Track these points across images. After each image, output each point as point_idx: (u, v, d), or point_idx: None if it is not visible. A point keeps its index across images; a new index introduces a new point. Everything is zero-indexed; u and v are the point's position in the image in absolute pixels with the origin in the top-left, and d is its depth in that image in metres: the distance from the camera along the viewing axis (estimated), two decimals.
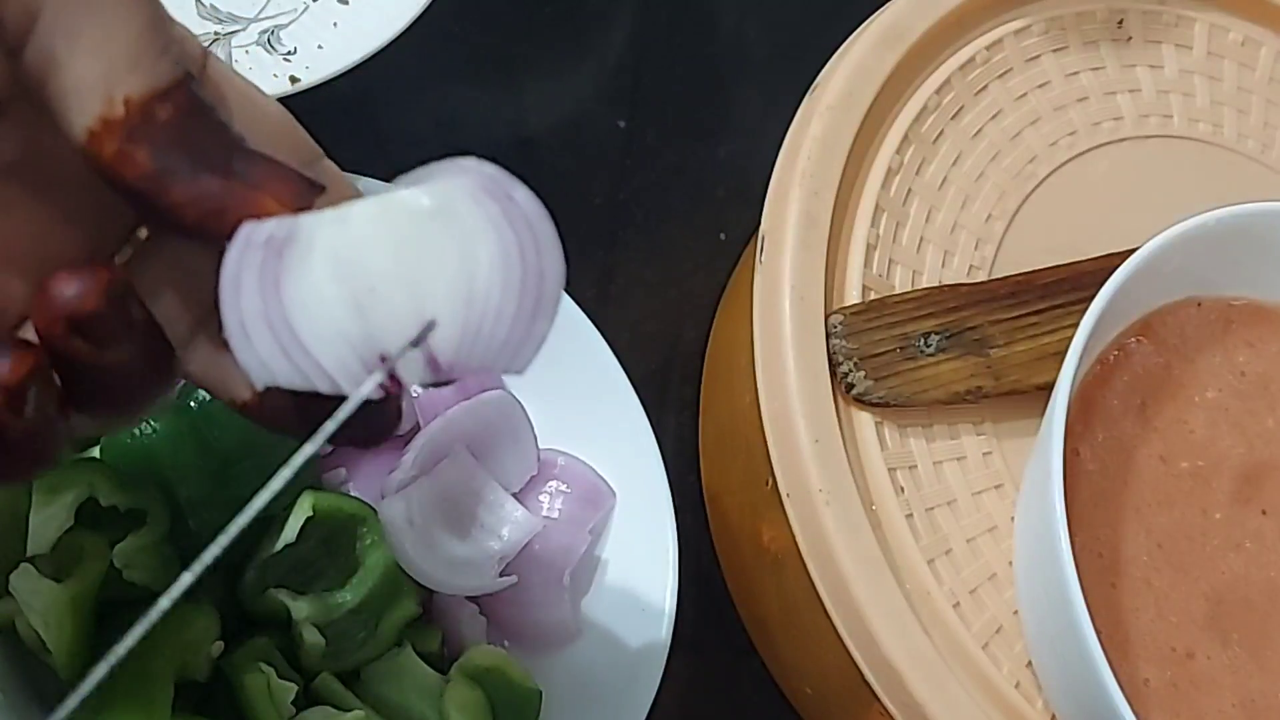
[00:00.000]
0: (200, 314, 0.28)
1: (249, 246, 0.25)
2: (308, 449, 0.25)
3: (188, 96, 0.24)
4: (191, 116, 0.24)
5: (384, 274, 0.25)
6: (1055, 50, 0.54)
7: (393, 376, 0.25)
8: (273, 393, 0.26)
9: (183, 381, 0.29)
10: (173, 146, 0.24)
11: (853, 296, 0.47)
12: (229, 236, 0.24)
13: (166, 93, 0.24)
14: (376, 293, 0.25)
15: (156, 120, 0.24)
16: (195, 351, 0.28)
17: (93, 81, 0.24)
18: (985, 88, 0.52)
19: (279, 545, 0.43)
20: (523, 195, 0.26)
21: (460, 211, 0.25)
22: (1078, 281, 0.49)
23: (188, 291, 0.28)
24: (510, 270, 0.25)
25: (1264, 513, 0.46)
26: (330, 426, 0.25)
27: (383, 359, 0.25)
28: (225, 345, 0.27)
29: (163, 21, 0.24)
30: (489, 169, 0.26)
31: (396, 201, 0.25)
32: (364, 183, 0.49)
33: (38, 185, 0.27)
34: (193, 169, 0.24)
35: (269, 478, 0.28)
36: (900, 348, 0.46)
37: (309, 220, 0.25)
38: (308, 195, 0.25)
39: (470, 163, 0.26)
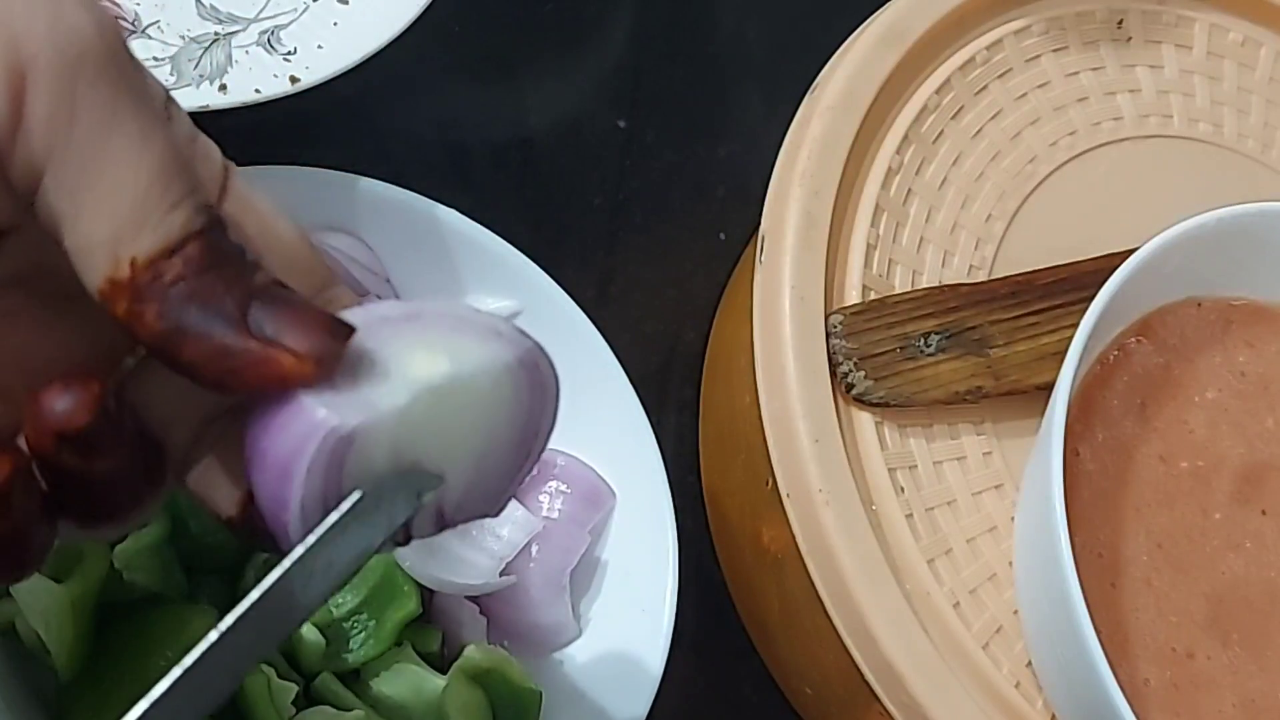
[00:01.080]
0: (201, 422, 0.28)
1: (309, 438, 0.24)
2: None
3: (201, 249, 0.23)
4: (205, 271, 0.23)
5: (428, 450, 0.25)
6: (1055, 50, 0.54)
7: (405, 528, 0.26)
8: (255, 513, 0.26)
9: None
10: (184, 304, 0.23)
11: (853, 296, 0.47)
12: (249, 392, 0.24)
13: (177, 248, 0.23)
14: (418, 465, 0.25)
15: (164, 280, 0.23)
16: (193, 460, 0.28)
17: (98, 242, 0.23)
18: (985, 88, 0.52)
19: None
20: (546, 365, 0.27)
21: (498, 385, 0.26)
22: (1078, 281, 0.49)
23: (190, 400, 0.27)
24: (516, 432, 0.27)
25: (1264, 513, 0.46)
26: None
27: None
28: (221, 457, 0.27)
29: (174, 169, 0.24)
30: (529, 342, 0.27)
31: (449, 386, 0.25)
32: (363, 183, 0.49)
33: (44, 296, 0.26)
34: (206, 326, 0.23)
35: None
36: (900, 348, 0.46)
37: (372, 421, 0.24)
38: (332, 346, 0.24)
39: (508, 329, 0.27)
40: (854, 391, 0.46)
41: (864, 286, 0.48)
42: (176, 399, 0.27)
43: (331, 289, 0.28)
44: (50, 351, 0.27)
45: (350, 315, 0.25)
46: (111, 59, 0.23)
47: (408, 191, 0.50)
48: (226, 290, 0.23)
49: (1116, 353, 0.47)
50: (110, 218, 0.23)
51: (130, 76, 0.23)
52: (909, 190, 0.50)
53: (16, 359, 0.26)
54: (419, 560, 0.45)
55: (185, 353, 0.23)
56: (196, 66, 0.54)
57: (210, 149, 0.27)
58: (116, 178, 0.23)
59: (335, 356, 0.24)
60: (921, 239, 0.50)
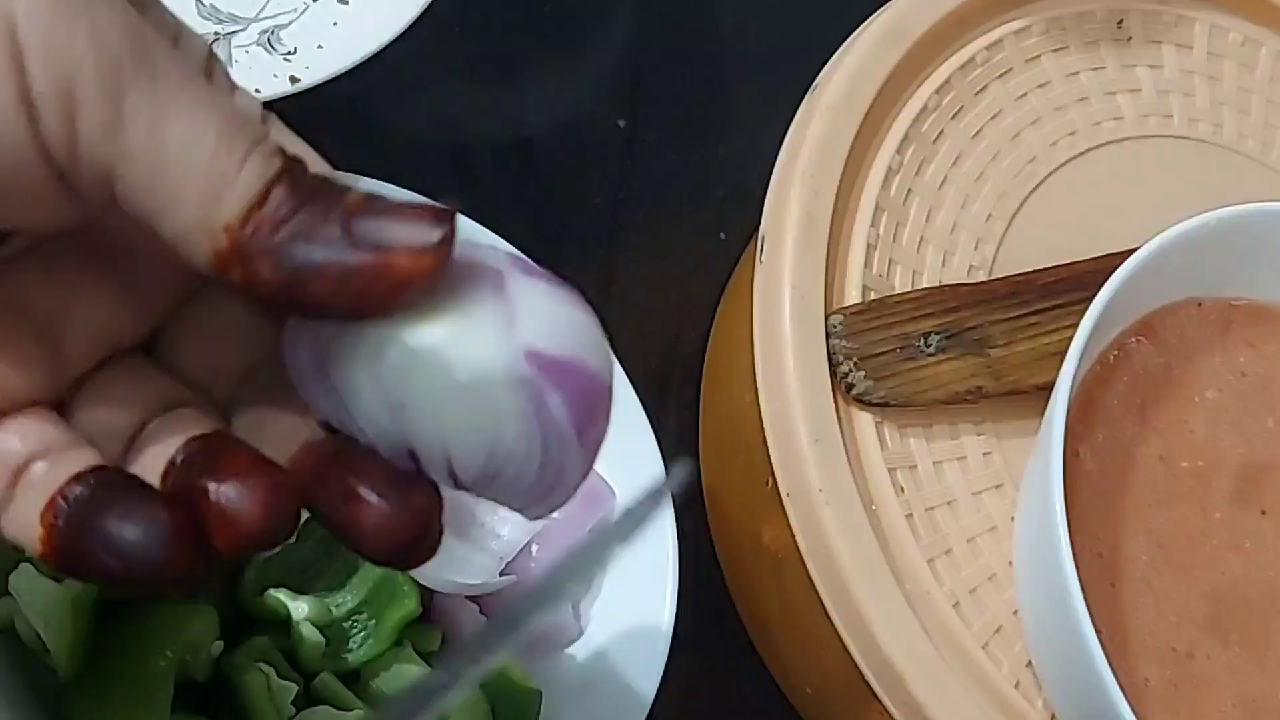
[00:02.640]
0: (241, 374, 0.28)
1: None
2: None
3: (287, 190, 0.24)
4: (298, 208, 0.24)
5: (413, 403, 0.25)
6: (1055, 50, 0.54)
7: (420, 466, 0.26)
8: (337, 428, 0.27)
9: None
10: (291, 246, 0.23)
11: (853, 296, 0.47)
12: (389, 309, 0.24)
13: (263, 198, 0.23)
14: (405, 410, 0.25)
15: (264, 231, 0.23)
16: (233, 412, 0.28)
17: (188, 228, 0.23)
18: (985, 88, 0.52)
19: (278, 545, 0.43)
20: (556, 404, 0.25)
21: (495, 394, 0.25)
22: (1078, 281, 0.49)
23: (230, 351, 0.28)
24: (531, 456, 0.26)
25: (1264, 513, 0.46)
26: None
27: (411, 454, 0.26)
28: (273, 402, 0.27)
29: (231, 128, 0.24)
30: (532, 357, 0.25)
31: (433, 363, 0.25)
32: (363, 183, 0.48)
33: (93, 255, 0.27)
34: (320, 257, 0.23)
35: None
36: (900, 348, 0.46)
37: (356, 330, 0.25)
38: (441, 227, 0.24)
39: (521, 326, 0.25)
40: (854, 391, 0.46)
41: (864, 286, 0.48)
42: (218, 351, 0.28)
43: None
44: (93, 307, 0.27)
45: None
46: (146, 54, 0.23)
47: (407, 192, 0.50)
48: (325, 218, 0.23)
49: (1116, 353, 0.47)
50: (190, 200, 0.23)
51: (168, 62, 0.24)
52: (909, 190, 0.50)
53: (62, 310, 0.26)
54: None
55: (312, 292, 0.23)
56: None
57: (248, 102, 0.27)
58: (181, 162, 0.23)
59: (448, 240, 0.24)
60: (921, 239, 0.50)
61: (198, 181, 0.23)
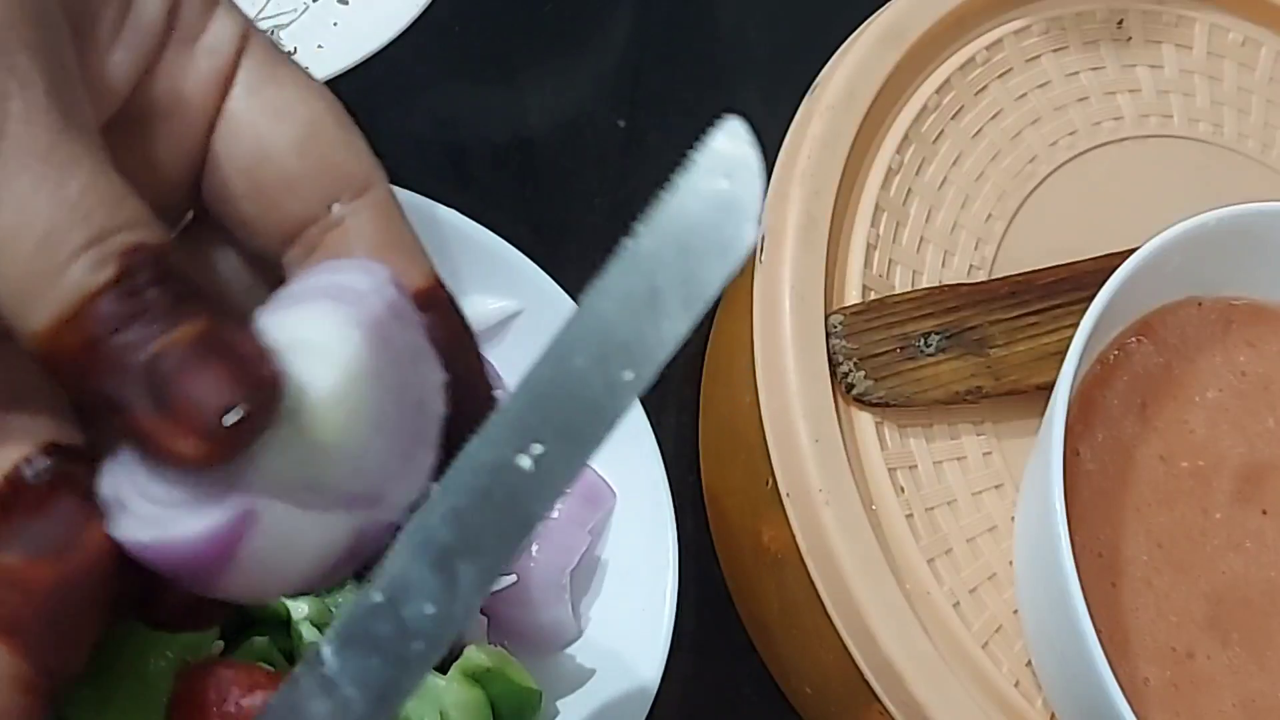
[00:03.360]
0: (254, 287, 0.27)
1: None
2: None
3: (111, 305, 0.21)
4: (107, 336, 0.21)
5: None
6: (1055, 50, 0.54)
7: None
8: None
9: None
10: (87, 375, 0.21)
11: (853, 296, 0.47)
12: (163, 463, 0.22)
13: (78, 312, 0.21)
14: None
15: (68, 349, 0.21)
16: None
17: (8, 319, 0.21)
18: (985, 88, 0.52)
19: None
20: (405, 310, 0.24)
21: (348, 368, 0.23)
22: (1078, 281, 0.49)
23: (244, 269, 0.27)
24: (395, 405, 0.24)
25: (1264, 513, 0.46)
26: None
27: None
28: None
29: (71, 220, 0.21)
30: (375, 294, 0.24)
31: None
32: None
33: None
34: (114, 399, 0.21)
35: None
36: (900, 348, 0.46)
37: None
38: (242, 409, 0.21)
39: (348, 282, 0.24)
40: (854, 391, 0.45)
41: (864, 286, 0.48)
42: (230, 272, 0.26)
43: (359, 197, 0.25)
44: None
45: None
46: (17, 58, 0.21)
47: (407, 191, 0.50)
48: (135, 354, 0.21)
49: (1116, 353, 0.47)
50: (6, 294, 0.21)
51: (20, 131, 0.21)
52: (909, 190, 0.50)
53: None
54: None
55: (113, 420, 0.21)
56: None
57: (218, 36, 0.25)
58: (3, 251, 0.21)
59: (231, 435, 0.21)
60: (921, 239, 0.50)
61: (16, 277, 0.21)
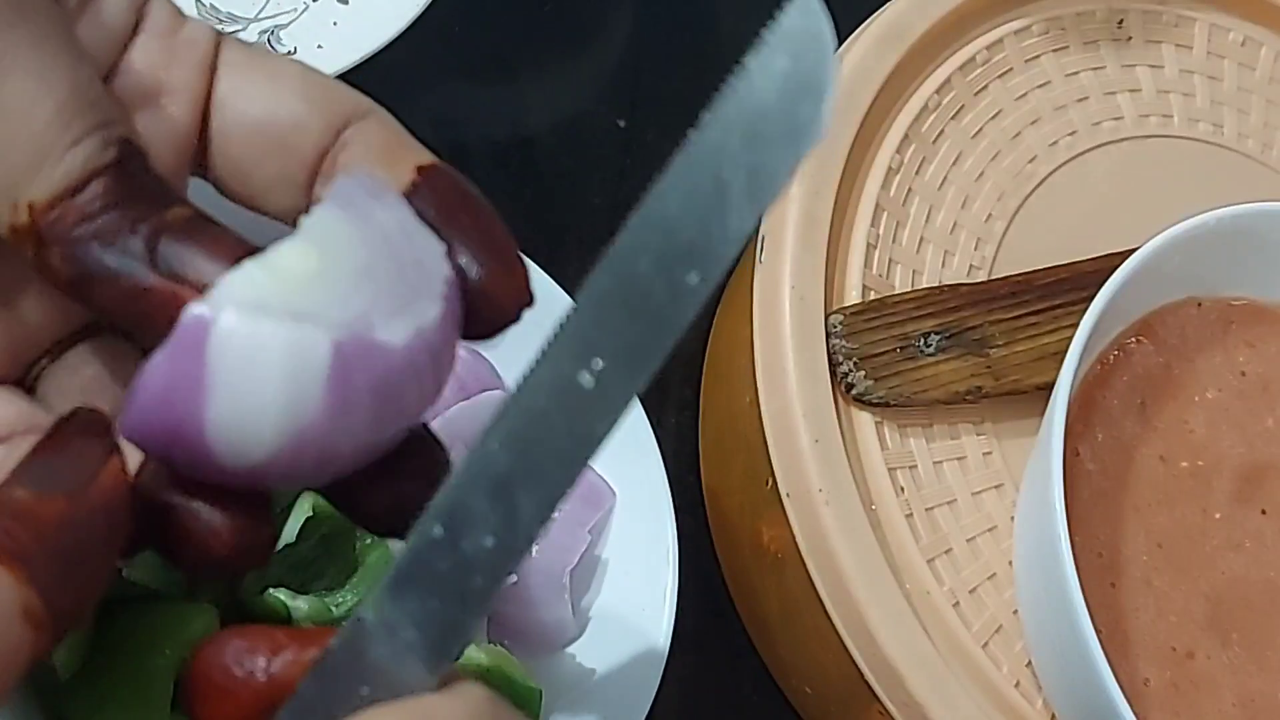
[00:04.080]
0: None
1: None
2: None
3: (107, 185, 0.22)
4: (110, 208, 0.22)
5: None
6: (1055, 50, 0.54)
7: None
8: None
9: None
10: (87, 244, 0.22)
11: (853, 296, 0.47)
12: (160, 335, 0.22)
13: (79, 187, 0.22)
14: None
15: (66, 221, 0.22)
16: None
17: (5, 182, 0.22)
18: (985, 88, 0.52)
19: (278, 545, 0.43)
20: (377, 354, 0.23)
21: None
22: (1078, 281, 0.49)
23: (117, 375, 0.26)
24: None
25: (1264, 513, 0.46)
26: None
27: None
28: None
29: (78, 103, 0.22)
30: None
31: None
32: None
33: None
34: (112, 266, 0.22)
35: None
36: (900, 348, 0.46)
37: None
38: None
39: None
40: (854, 391, 0.46)
41: (864, 286, 0.48)
42: (102, 376, 0.26)
43: (363, 119, 0.26)
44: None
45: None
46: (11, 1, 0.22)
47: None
48: (133, 227, 0.22)
49: (1116, 353, 0.47)
50: (6, 162, 0.22)
51: (33, 8, 0.22)
52: (909, 190, 0.50)
53: (19, 282, 0.25)
54: None
55: (96, 296, 0.22)
56: None
57: (195, 32, 0.26)
58: (11, 120, 0.22)
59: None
60: (921, 239, 0.50)
61: (20, 149, 0.22)
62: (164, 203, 0.23)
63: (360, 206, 0.24)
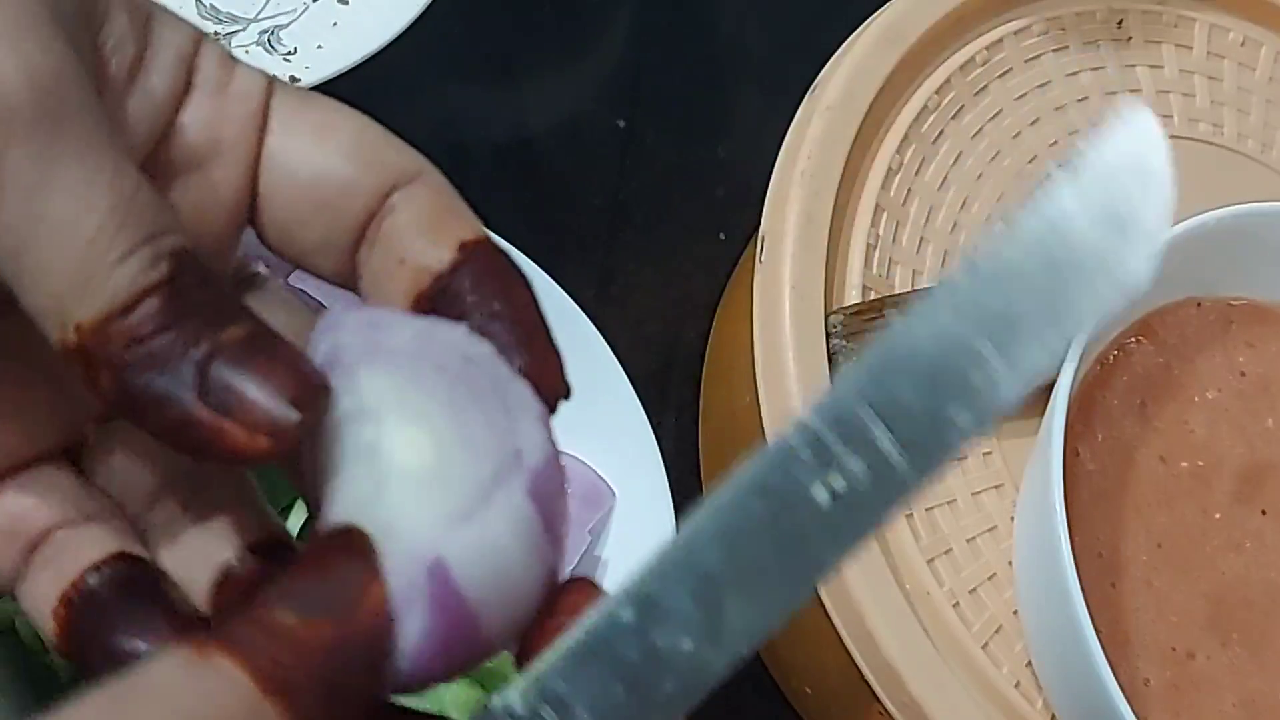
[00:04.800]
0: (158, 487, 0.26)
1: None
2: None
3: (160, 304, 0.21)
4: (164, 326, 0.21)
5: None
6: (1055, 50, 0.54)
7: None
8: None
9: None
10: (138, 368, 0.21)
11: (853, 296, 0.47)
12: (211, 459, 0.21)
13: (130, 306, 0.21)
14: (326, 469, 0.23)
15: (115, 343, 0.21)
16: (148, 526, 0.26)
17: (43, 309, 0.21)
18: (985, 88, 0.52)
19: None
20: (417, 625, 0.21)
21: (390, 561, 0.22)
22: None
23: (148, 463, 0.25)
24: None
25: (1264, 513, 0.46)
26: None
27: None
28: (193, 517, 0.25)
29: (126, 213, 0.21)
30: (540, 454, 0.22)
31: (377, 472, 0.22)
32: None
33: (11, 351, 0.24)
34: (161, 392, 0.21)
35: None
36: None
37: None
38: (305, 409, 0.21)
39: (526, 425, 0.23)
40: None
41: (864, 286, 0.48)
42: (134, 463, 0.25)
43: (409, 184, 0.25)
44: (33, 406, 0.25)
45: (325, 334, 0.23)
46: (46, 111, 0.21)
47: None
48: (185, 351, 0.21)
49: (1116, 353, 0.47)
50: (52, 284, 0.21)
51: (74, 120, 0.21)
52: (909, 190, 0.50)
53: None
54: None
55: (142, 420, 0.21)
56: None
57: (246, 83, 0.25)
58: (54, 241, 0.21)
59: (291, 430, 0.21)
60: (921, 239, 0.50)
61: (65, 268, 0.21)
62: (220, 321, 0.21)
63: (422, 356, 0.23)
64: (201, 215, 0.25)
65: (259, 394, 0.21)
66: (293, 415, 0.21)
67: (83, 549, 0.24)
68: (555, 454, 0.23)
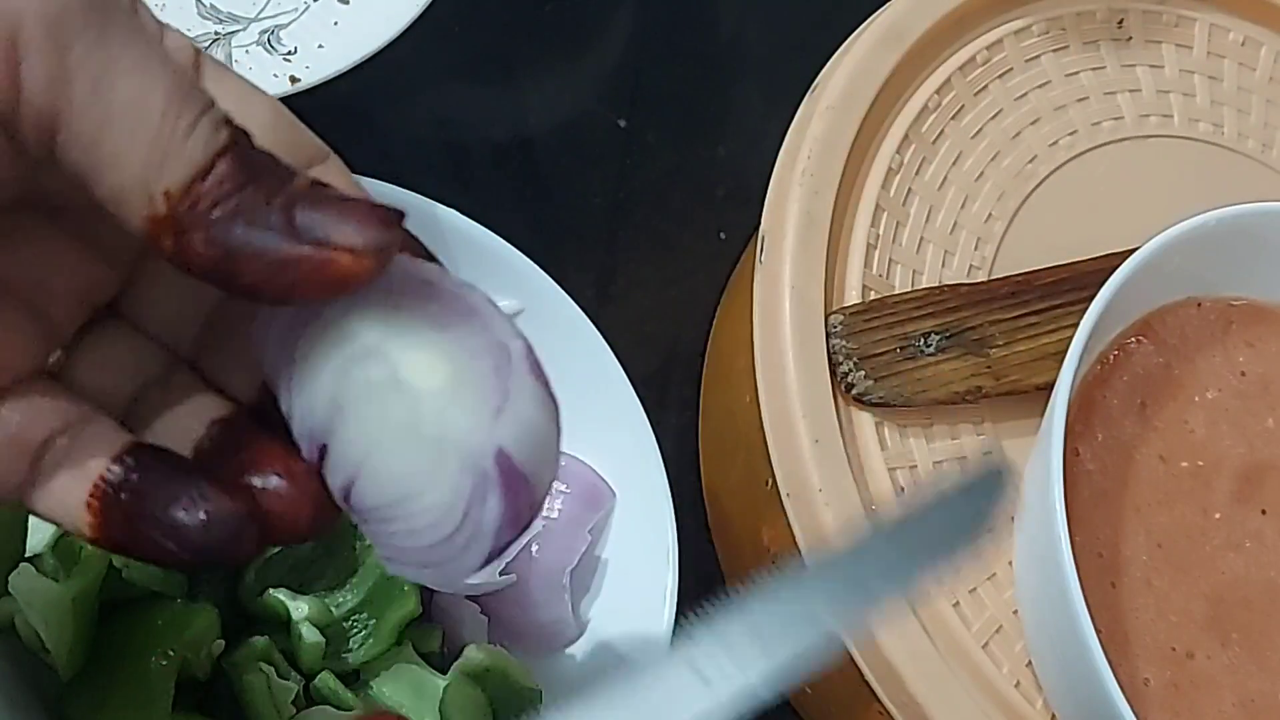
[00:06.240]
0: (205, 321, 0.28)
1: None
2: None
3: (232, 165, 0.23)
4: (242, 186, 0.23)
5: (359, 414, 0.25)
6: (1055, 50, 0.54)
7: (321, 465, 0.26)
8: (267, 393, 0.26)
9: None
10: (229, 224, 0.23)
11: (853, 296, 0.47)
12: (317, 300, 0.23)
13: (207, 170, 0.23)
14: (344, 412, 0.25)
15: (203, 205, 0.23)
16: (203, 357, 0.28)
17: (127, 188, 0.23)
18: (985, 88, 0.52)
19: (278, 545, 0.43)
20: (493, 504, 0.25)
21: (445, 462, 0.25)
22: (1078, 281, 0.49)
23: (193, 300, 0.27)
24: (437, 528, 0.25)
25: (1264, 513, 0.46)
26: None
27: (321, 450, 0.25)
28: (234, 348, 0.27)
29: (181, 91, 0.23)
30: (500, 456, 0.25)
31: (405, 396, 0.25)
32: (363, 184, 0.48)
33: (49, 215, 0.26)
34: (257, 242, 0.23)
35: None
36: (900, 348, 0.46)
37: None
38: (387, 235, 0.23)
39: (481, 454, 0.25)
40: (854, 391, 0.45)
41: (864, 286, 0.48)
42: (181, 301, 0.27)
43: (322, 163, 0.27)
44: (68, 269, 0.26)
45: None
46: (94, 7, 0.23)
47: (407, 191, 0.50)
48: (268, 200, 0.23)
49: (1116, 353, 0.47)
50: (132, 161, 0.22)
51: (118, 13, 0.23)
52: (909, 190, 0.50)
53: (41, 276, 0.26)
54: None
55: (243, 274, 0.23)
56: None
57: (174, 42, 0.26)
58: (127, 120, 0.22)
59: (392, 245, 0.23)
60: (921, 239, 0.50)
61: (142, 144, 0.22)
62: (285, 174, 0.23)
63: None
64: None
65: (349, 226, 0.23)
66: (385, 235, 0.23)
67: (94, 446, 0.25)
68: (520, 331, 0.26)
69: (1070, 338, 0.43)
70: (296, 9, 0.57)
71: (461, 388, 0.25)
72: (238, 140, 0.23)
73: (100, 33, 0.22)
